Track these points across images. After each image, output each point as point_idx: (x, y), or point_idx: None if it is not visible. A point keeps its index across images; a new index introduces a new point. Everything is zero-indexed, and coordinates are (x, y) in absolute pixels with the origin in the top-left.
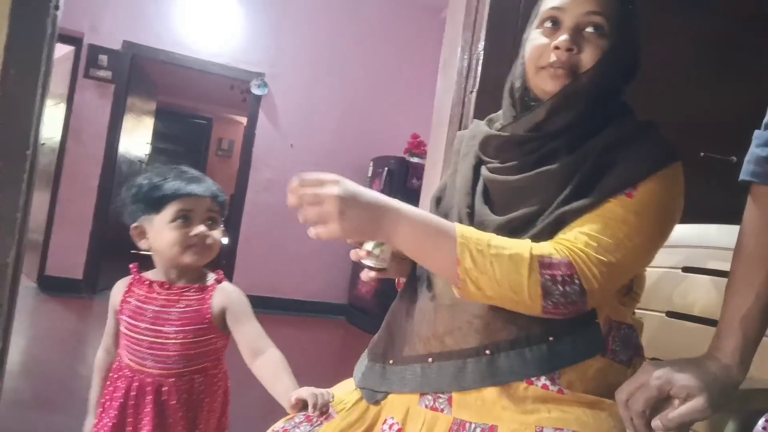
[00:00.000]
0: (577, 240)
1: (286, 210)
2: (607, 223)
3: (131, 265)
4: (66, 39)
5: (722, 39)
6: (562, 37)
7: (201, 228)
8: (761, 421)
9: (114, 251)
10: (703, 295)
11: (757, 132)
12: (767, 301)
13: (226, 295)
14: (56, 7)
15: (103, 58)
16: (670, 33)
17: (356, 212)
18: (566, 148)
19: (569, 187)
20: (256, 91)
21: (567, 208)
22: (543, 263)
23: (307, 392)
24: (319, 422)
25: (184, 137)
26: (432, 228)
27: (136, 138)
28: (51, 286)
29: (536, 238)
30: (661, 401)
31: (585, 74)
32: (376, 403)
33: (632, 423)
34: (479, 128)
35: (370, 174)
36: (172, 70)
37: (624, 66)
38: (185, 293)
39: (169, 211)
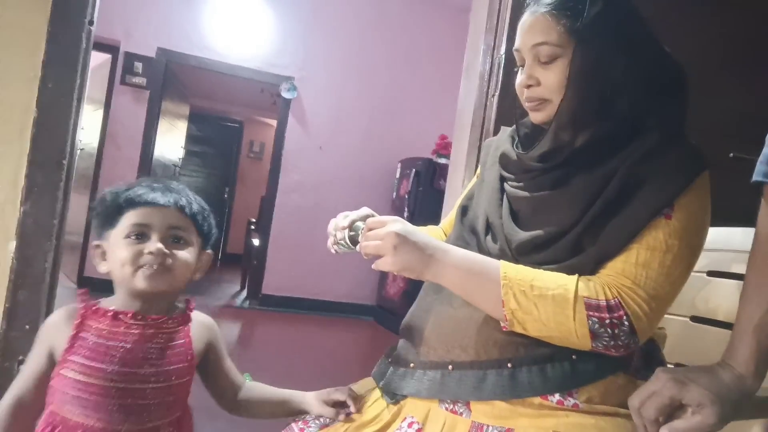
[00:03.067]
0: (626, 274)
1: (315, 211)
2: (653, 253)
3: (80, 291)
4: (103, 47)
5: (751, 35)
6: (521, 77)
7: (156, 245)
8: None
9: None
10: (727, 299)
11: None
12: None
13: (208, 328)
14: (91, 23)
15: (138, 65)
16: (696, 30)
17: (408, 250)
18: (583, 168)
19: (595, 207)
20: (285, 94)
21: (604, 232)
22: (590, 305)
23: (342, 394)
24: (338, 419)
25: (217, 140)
26: (477, 268)
27: (171, 142)
28: (89, 286)
29: (562, 257)
30: (675, 409)
31: (561, 102)
32: (396, 402)
33: (645, 430)
34: (503, 138)
35: (398, 175)
36: (204, 75)
37: (607, 75)
38: (164, 326)
39: (123, 224)
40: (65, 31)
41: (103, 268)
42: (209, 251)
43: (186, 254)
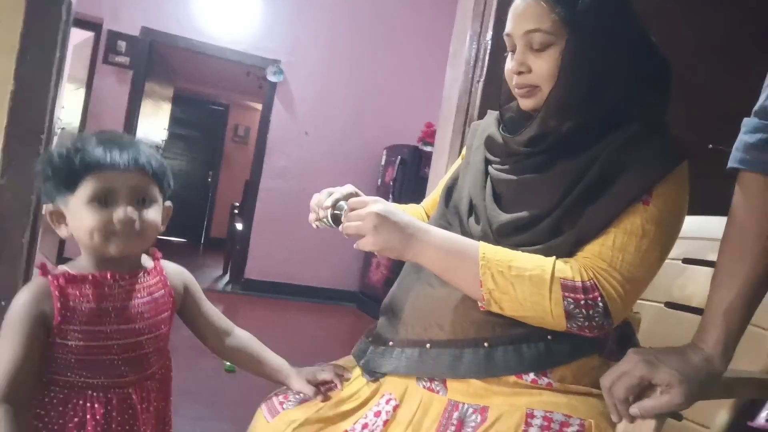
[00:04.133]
0: (602, 257)
1: (300, 197)
2: (630, 237)
3: (40, 264)
4: (86, 25)
5: (730, 30)
6: (512, 63)
7: (124, 211)
8: (765, 414)
9: None
10: (702, 286)
11: (746, 119)
12: (750, 293)
13: (180, 274)
14: None
15: (122, 44)
16: (676, 25)
17: (389, 230)
18: (567, 153)
19: (576, 190)
20: (271, 78)
21: (584, 215)
22: (566, 286)
23: (329, 373)
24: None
25: (201, 123)
26: (456, 249)
27: (154, 123)
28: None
29: (541, 240)
30: (645, 388)
31: (551, 90)
32: (375, 380)
33: (615, 408)
34: (489, 121)
35: (383, 162)
36: (190, 57)
37: (599, 65)
38: (142, 280)
39: (85, 189)
40: (44, 1)
41: (63, 232)
42: (169, 204)
43: (153, 214)
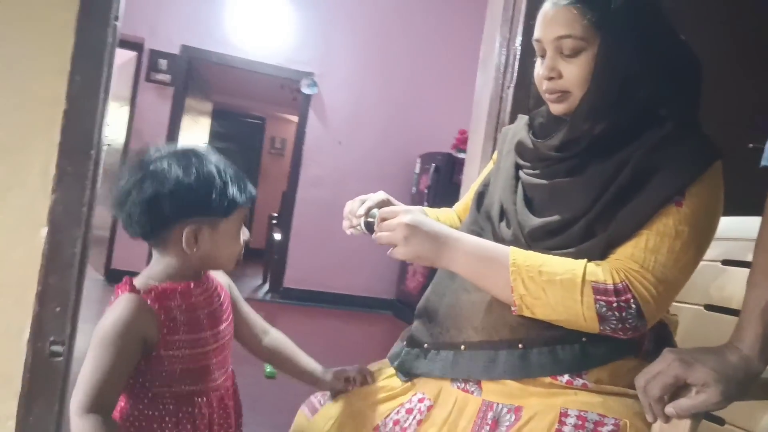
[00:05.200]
0: (635, 258)
1: (336, 205)
2: (662, 239)
3: (127, 280)
4: (129, 45)
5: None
6: (542, 69)
7: (247, 238)
8: None
9: None
10: (741, 288)
11: None
12: None
13: (225, 276)
14: (116, 18)
15: (163, 62)
16: (712, 23)
17: (419, 239)
18: (598, 156)
19: (607, 194)
20: (306, 90)
21: (616, 218)
22: (597, 289)
23: (353, 370)
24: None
25: (239, 136)
26: (487, 255)
27: (194, 138)
28: (117, 278)
29: (573, 243)
30: (680, 388)
31: (583, 95)
32: (409, 380)
33: (650, 408)
34: (520, 126)
35: (417, 170)
36: (226, 72)
37: (631, 68)
38: (211, 287)
39: (236, 218)
40: (92, 26)
41: (193, 251)
42: None
43: None
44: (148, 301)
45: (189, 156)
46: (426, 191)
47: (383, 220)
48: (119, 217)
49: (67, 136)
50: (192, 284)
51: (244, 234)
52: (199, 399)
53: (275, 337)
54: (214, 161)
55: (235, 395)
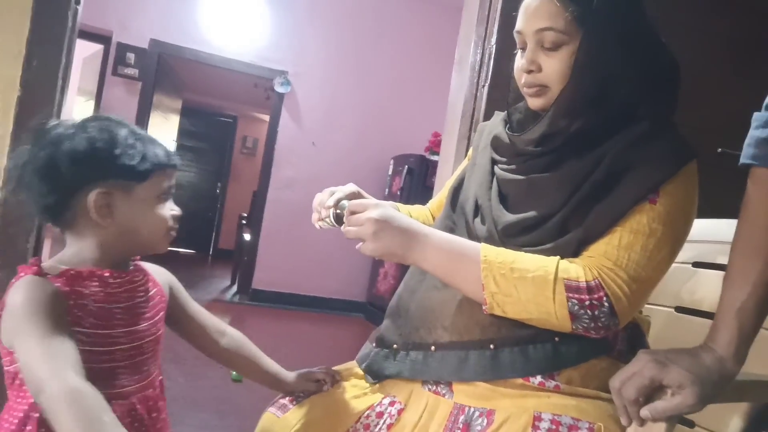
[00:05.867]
0: (608, 256)
1: (308, 207)
2: (636, 236)
3: (33, 259)
4: (95, 37)
5: (740, 35)
6: (522, 61)
7: (178, 210)
8: None
9: None
10: (712, 290)
11: (756, 114)
12: (763, 293)
13: (164, 274)
14: (77, 2)
15: (131, 56)
16: (686, 30)
17: (388, 235)
18: (574, 153)
19: (582, 190)
20: (279, 88)
21: (590, 215)
22: (570, 287)
23: (321, 373)
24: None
25: (210, 135)
26: (457, 251)
27: (162, 135)
28: None
29: (547, 239)
30: (655, 390)
31: (561, 90)
32: (377, 383)
33: (625, 410)
34: (496, 122)
35: (390, 172)
36: (198, 68)
37: (611, 66)
38: (137, 280)
39: (156, 184)
40: (50, 8)
41: (106, 221)
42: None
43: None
44: (58, 285)
45: (91, 119)
46: (398, 193)
47: (352, 213)
48: (25, 196)
49: (22, 124)
50: (108, 272)
51: (173, 209)
52: None
53: (234, 337)
54: (126, 125)
55: (154, 408)
